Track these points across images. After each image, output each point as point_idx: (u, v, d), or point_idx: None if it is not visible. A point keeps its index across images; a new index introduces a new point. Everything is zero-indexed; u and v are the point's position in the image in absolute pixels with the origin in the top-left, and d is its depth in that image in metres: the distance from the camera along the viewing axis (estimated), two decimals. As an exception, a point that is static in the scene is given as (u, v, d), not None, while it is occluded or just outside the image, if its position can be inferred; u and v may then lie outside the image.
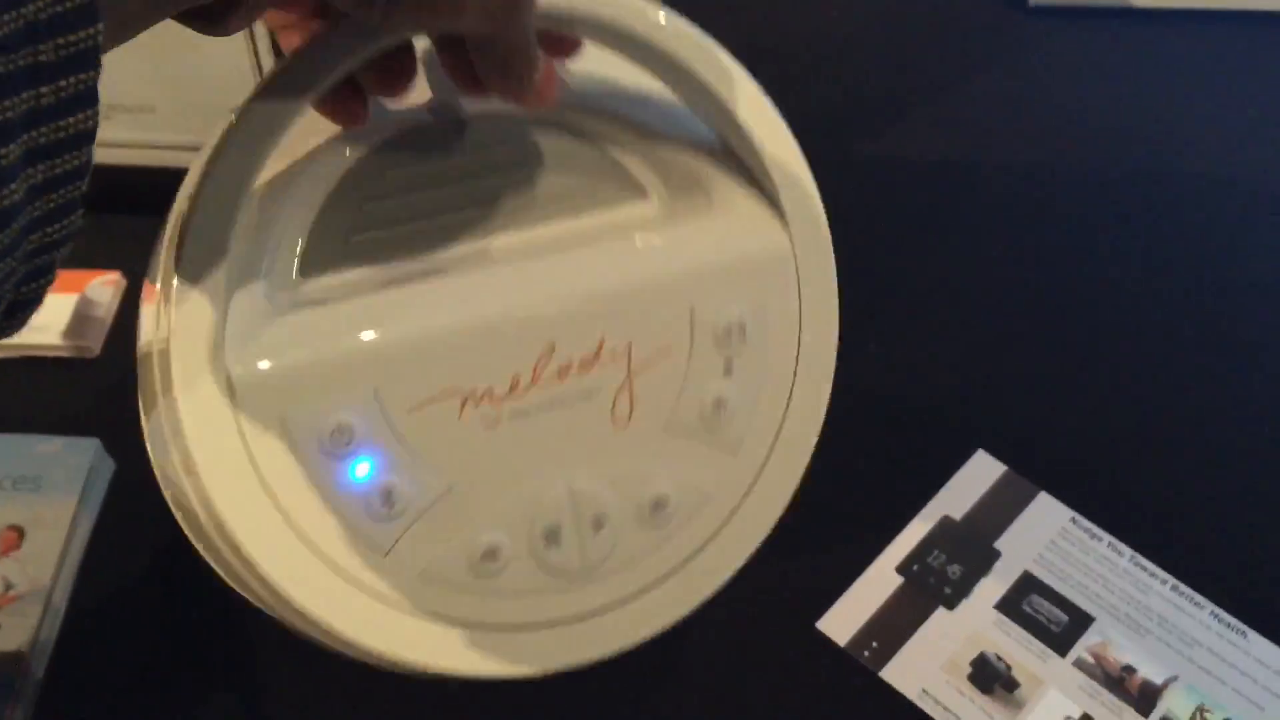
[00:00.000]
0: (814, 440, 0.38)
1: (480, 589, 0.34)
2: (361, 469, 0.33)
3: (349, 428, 0.33)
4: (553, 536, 0.35)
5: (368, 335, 0.34)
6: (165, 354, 0.33)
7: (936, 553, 0.57)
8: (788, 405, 0.37)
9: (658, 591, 0.36)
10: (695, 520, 0.37)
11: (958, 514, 0.58)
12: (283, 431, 0.33)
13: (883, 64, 0.76)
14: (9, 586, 0.55)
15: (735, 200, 0.37)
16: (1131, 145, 0.72)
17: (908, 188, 0.70)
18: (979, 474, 0.59)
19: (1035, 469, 0.59)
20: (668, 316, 0.36)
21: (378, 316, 0.34)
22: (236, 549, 0.33)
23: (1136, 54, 0.76)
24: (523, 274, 0.35)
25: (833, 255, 0.38)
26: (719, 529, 0.37)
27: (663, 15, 0.34)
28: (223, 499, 0.32)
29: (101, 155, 0.76)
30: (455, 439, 0.34)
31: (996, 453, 0.60)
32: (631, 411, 0.36)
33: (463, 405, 0.34)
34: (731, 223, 0.37)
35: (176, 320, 0.33)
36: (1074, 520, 0.58)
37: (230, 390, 0.33)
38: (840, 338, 0.62)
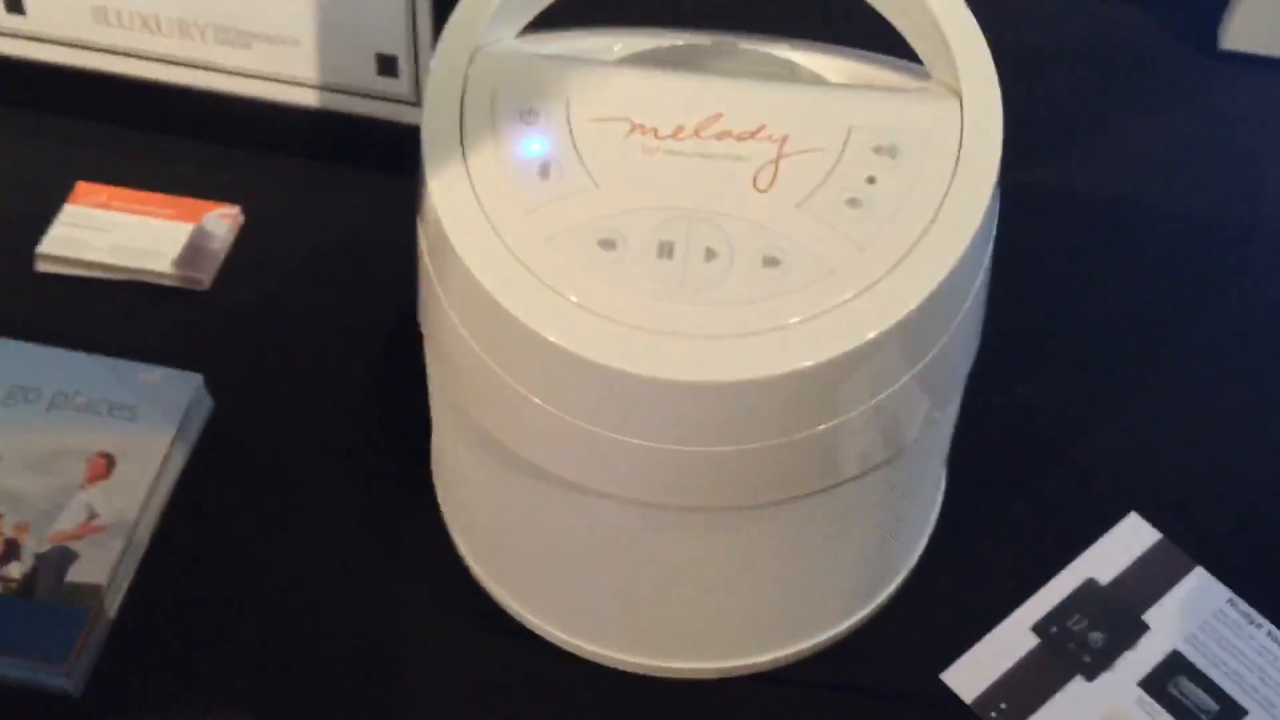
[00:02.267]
0: (935, 283, 0.39)
1: (592, 271, 0.39)
2: (534, 146, 0.42)
3: (536, 112, 0.42)
4: (665, 250, 0.40)
5: (577, 57, 0.44)
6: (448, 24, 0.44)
7: (1078, 616, 0.52)
8: (922, 235, 0.40)
9: (751, 340, 0.39)
10: (806, 289, 0.39)
11: (1104, 578, 0.54)
12: (491, 98, 0.43)
13: (1064, 93, 0.73)
14: (93, 515, 0.53)
15: (908, 80, 0.45)
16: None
17: (1076, 220, 0.67)
18: (1130, 538, 0.55)
19: (1193, 540, 0.55)
20: (827, 124, 0.42)
21: (590, 52, 0.45)
22: (425, 180, 0.42)
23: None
24: (716, 69, 0.44)
25: (999, 135, 0.42)
26: (827, 310, 0.39)
27: None
28: (430, 135, 0.42)
29: (235, 84, 0.74)
30: (613, 153, 0.42)
31: (1151, 518, 0.55)
32: (772, 183, 0.41)
33: (630, 131, 0.42)
34: (900, 86, 0.44)
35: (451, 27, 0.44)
36: (1231, 602, 0.53)
37: (471, 57, 0.43)
38: (988, 371, 0.59)
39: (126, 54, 0.66)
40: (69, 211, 0.64)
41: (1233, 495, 0.57)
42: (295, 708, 0.50)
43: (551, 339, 0.38)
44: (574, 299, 0.39)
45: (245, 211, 0.65)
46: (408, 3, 0.62)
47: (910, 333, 0.39)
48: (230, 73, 0.66)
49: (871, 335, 0.38)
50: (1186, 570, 0.54)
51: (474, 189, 0.41)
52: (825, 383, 0.39)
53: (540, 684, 0.51)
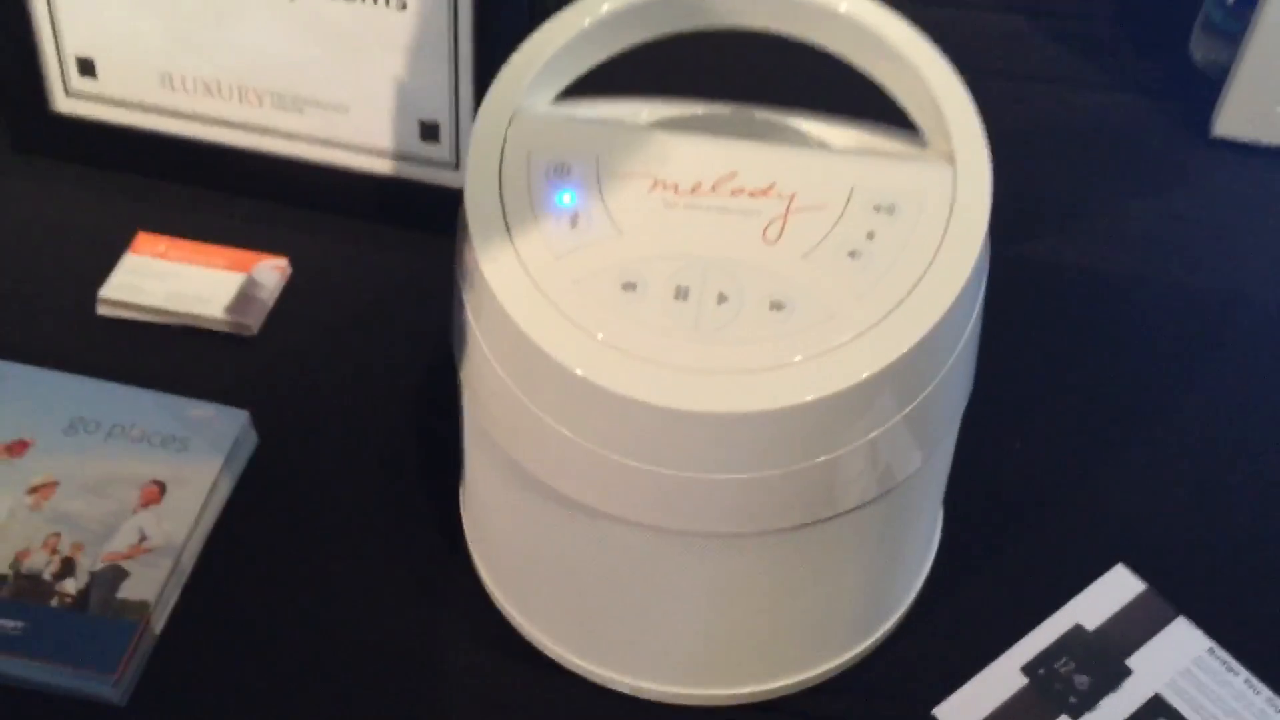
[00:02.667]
0: (925, 329, 0.43)
1: (615, 311, 0.43)
2: (565, 197, 0.46)
3: (568, 167, 0.46)
4: (682, 293, 0.44)
5: (607, 120, 0.49)
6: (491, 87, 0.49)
7: (1065, 659, 0.55)
8: (916, 284, 0.44)
9: (758, 376, 0.42)
10: (808, 331, 0.43)
11: (1091, 624, 0.56)
12: (527, 155, 0.47)
13: (1058, 172, 0.77)
14: (144, 537, 0.57)
15: (906, 148, 0.49)
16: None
17: (1074, 292, 0.70)
18: (1116, 588, 0.58)
19: (1176, 591, 0.57)
20: (831, 185, 0.46)
21: (620, 115, 0.50)
22: (465, 225, 0.46)
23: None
24: (733, 133, 0.48)
25: (989, 198, 0.46)
26: (827, 350, 0.43)
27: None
28: (472, 186, 0.46)
29: (288, 147, 0.79)
30: (637, 205, 0.46)
31: (1137, 568, 0.58)
32: (780, 236, 0.45)
33: (652, 186, 0.46)
34: (899, 154, 0.48)
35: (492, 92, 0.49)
36: (1211, 650, 0.56)
37: (511, 118, 0.48)
38: (988, 430, 0.62)
39: (189, 117, 0.71)
40: (130, 260, 0.68)
41: (1214, 550, 0.59)
42: (325, 722, 0.54)
43: (576, 371, 0.42)
44: (598, 336, 0.43)
45: (293, 263, 0.69)
46: (450, 74, 0.66)
47: (903, 374, 0.43)
48: (284, 136, 0.70)
49: (867, 375, 0.42)
50: (1169, 619, 0.57)
51: (510, 235, 0.45)
52: (824, 417, 0.43)
53: (557, 711, 0.54)
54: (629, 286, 0.44)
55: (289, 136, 0.71)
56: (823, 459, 0.43)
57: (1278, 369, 0.67)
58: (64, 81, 0.72)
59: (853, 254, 0.44)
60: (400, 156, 0.70)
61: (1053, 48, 0.83)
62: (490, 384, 0.46)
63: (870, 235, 0.44)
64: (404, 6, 0.65)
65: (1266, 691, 0.54)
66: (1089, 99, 0.81)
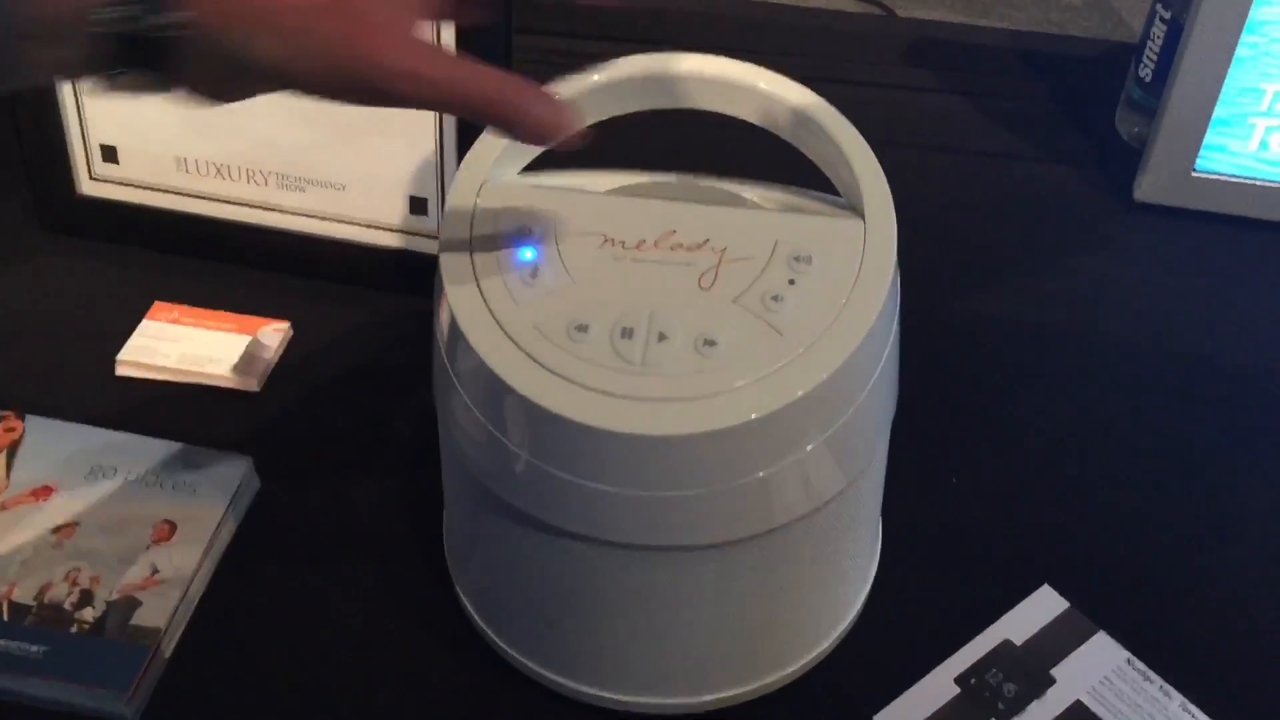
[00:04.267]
0: (841, 359, 0.49)
1: (568, 349, 0.49)
2: (527, 253, 0.52)
3: (530, 228, 0.53)
4: (627, 333, 0.49)
5: (566, 187, 0.55)
6: (463, 163, 0.55)
7: (995, 670, 0.60)
8: (833, 321, 0.50)
9: (693, 403, 0.48)
10: (737, 364, 0.49)
11: (1018, 639, 0.62)
12: (495, 219, 0.53)
13: (995, 236, 0.83)
14: (155, 571, 0.62)
15: (825, 207, 0.55)
16: (1223, 331, 0.77)
17: (1002, 344, 0.76)
18: (1042, 607, 0.63)
19: (1097, 608, 0.62)
20: (758, 239, 0.52)
21: (577, 184, 0.56)
22: (441, 274, 0.52)
23: (1232, 256, 0.81)
24: (673, 198, 0.54)
25: (894, 247, 0.52)
26: (754, 380, 0.48)
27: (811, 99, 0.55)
28: (447, 246, 0.53)
29: (290, 222, 0.86)
30: (589, 259, 0.52)
31: (1061, 589, 0.63)
32: (714, 283, 0.51)
33: (603, 243, 0.52)
34: (818, 211, 0.54)
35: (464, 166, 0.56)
36: (1129, 661, 0.61)
37: (480, 187, 0.54)
38: (927, 466, 0.68)
39: (201, 197, 0.77)
40: (146, 325, 0.74)
41: (1132, 570, 0.65)
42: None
43: (535, 401, 0.48)
44: (553, 370, 0.48)
45: (294, 326, 0.74)
46: (436, 154, 0.72)
47: (822, 400, 0.49)
48: (287, 212, 0.76)
49: (789, 401, 0.48)
50: (1090, 634, 0.62)
51: (479, 286, 0.51)
52: (753, 439, 0.48)
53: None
54: (581, 328, 0.49)
55: (292, 213, 0.76)
56: (754, 477, 0.49)
57: (1189, 410, 0.73)
58: (89, 167, 0.77)
59: (776, 298, 0.50)
60: (392, 229, 0.75)
61: (990, 125, 0.90)
62: (461, 416, 0.52)
63: (791, 281, 0.51)
64: (394, 94, 0.72)
65: (1179, 697, 0.59)
66: (1023, 170, 0.87)
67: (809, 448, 0.50)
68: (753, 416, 0.48)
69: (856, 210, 0.53)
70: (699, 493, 0.49)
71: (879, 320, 0.50)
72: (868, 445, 0.54)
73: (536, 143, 0.48)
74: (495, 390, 0.49)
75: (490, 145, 0.55)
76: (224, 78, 0.43)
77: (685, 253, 0.52)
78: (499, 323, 0.50)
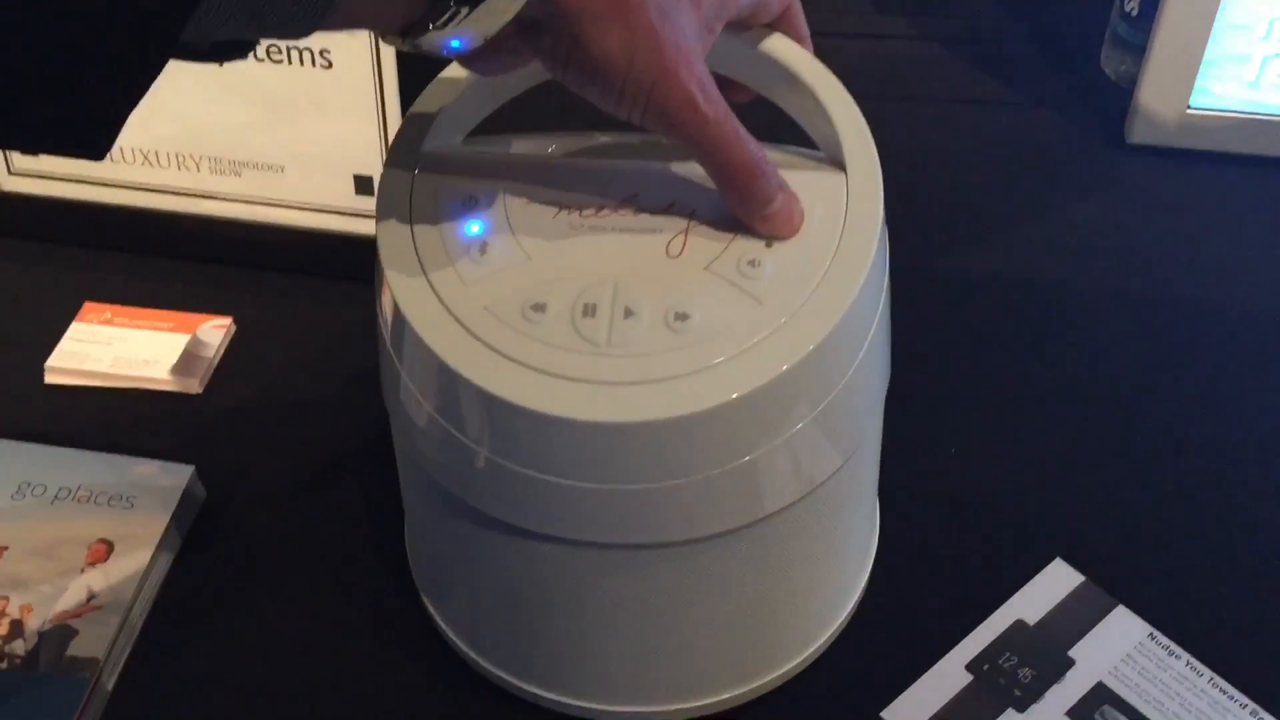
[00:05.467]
0: (829, 328, 0.44)
1: (525, 331, 0.44)
2: (474, 228, 0.47)
3: (475, 199, 0.48)
4: (590, 311, 0.44)
5: (513, 153, 0.51)
6: (398, 132, 0.50)
7: (1009, 654, 0.56)
8: (817, 287, 0.45)
9: (664, 385, 0.43)
10: (713, 339, 0.44)
11: (1031, 619, 0.57)
12: (435, 190, 0.48)
13: (984, 187, 0.78)
14: (92, 596, 0.57)
15: (802, 160, 0.49)
16: (1225, 276, 0.73)
17: (999, 299, 0.72)
18: (1055, 582, 0.59)
19: (1114, 581, 0.58)
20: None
21: (527, 149, 0.51)
22: (380, 257, 0.47)
23: (1228, 195, 0.77)
24: (633, 158, 0.49)
25: (881, 201, 0.47)
26: (732, 356, 0.44)
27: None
28: (384, 225, 0.48)
29: (226, 209, 0.80)
30: (543, 230, 0.47)
31: (1075, 562, 0.59)
32: (683, 251, 0.46)
33: (558, 212, 0.47)
34: (795, 165, 0.48)
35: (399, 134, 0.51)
36: (1152, 636, 0.56)
37: (419, 158, 0.49)
38: (923, 437, 0.63)
39: (129, 187, 0.73)
40: (76, 328, 0.69)
41: (1150, 538, 0.60)
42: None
43: (490, 391, 0.43)
44: (510, 356, 0.44)
45: (236, 321, 0.70)
46: (379, 128, 0.68)
47: (810, 373, 0.44)
48: (223, 199, 0.72)
49: (773, 376, 0.43)
50: (1109, 609, 0.58)
51: (422, 267, 0.46)
52: (736, 420, 0.44)
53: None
54: (538, 307, 0.45)
55: (228, 199, 0.72)
56: (739, 463, 0.44)
57: (1202, 362, 0.68)
58: (7, 161, 0.73)
59: (753, 263, 0.45)
60: (337, 211, 0.71)
61: (972, 71, 0.86)
62: (413, 411, 0.47)
63: (769, 243, 0.46)
64: (329, 65, 0.67)
65: (1208, 673, 0.55)
66: (1008, 116, 0.83)
67: (798, 427, 0.45)
68: (734, 396, 0.43)
69: (837, 163, 0.48)
70: (679, 483, 0.44)
71: (867, 283, 0.45)
72: (861, 420, 0.49)
73: (758, 227, 0.46)
74: (446, 381, 0.44)
75: (428, 106, 0.50)
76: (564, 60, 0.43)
77: (649, 218, 0.47)
78: (446, 306, 0.45)
